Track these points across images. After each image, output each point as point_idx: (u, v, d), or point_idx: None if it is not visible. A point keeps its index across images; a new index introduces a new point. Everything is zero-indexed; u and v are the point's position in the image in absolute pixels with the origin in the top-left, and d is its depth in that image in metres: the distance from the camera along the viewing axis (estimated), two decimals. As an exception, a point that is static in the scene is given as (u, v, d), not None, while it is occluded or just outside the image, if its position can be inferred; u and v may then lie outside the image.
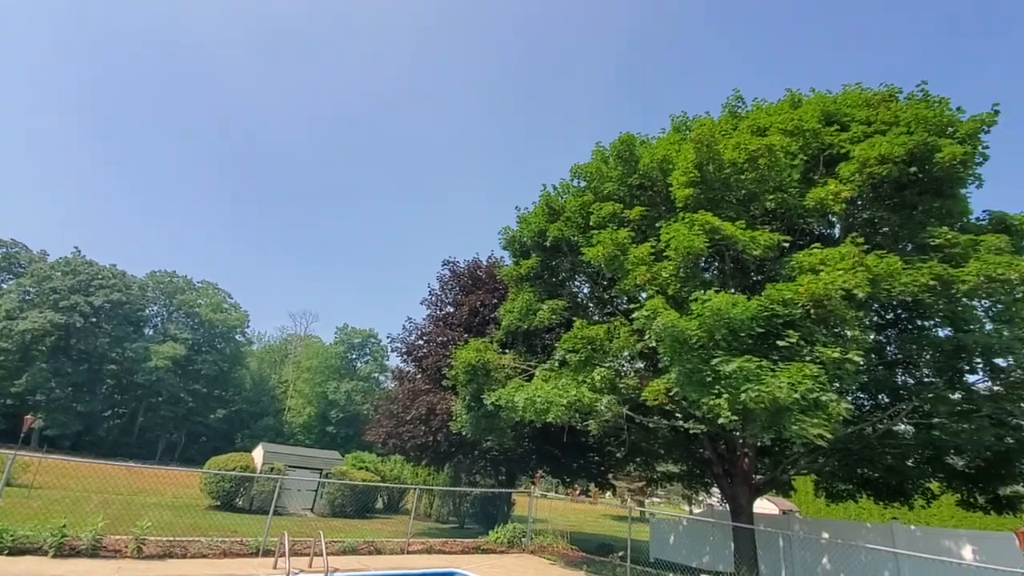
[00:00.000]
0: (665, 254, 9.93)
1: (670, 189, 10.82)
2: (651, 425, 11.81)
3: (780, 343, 8.15)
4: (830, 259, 8.67)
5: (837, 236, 11.02)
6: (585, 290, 14.85)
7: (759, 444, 11.96)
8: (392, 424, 17.28)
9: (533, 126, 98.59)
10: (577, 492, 23.19)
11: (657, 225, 10.87)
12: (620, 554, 11.82)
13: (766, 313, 8.32)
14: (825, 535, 14.34)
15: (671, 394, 9.45)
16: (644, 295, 10.66)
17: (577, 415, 10.59)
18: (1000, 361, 9.76)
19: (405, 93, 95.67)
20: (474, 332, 17.15)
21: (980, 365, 10.12)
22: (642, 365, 12.31)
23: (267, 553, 9.15)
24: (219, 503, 18.03)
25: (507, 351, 14.20)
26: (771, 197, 10.17)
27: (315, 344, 58.95)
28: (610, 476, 19.78)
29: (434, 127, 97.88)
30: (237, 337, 52.45)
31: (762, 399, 7.26)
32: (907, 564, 12.46)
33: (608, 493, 23.74)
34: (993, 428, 9.57)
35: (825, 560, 14.18)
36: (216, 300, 51.32)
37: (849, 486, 14.08)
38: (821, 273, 8.39)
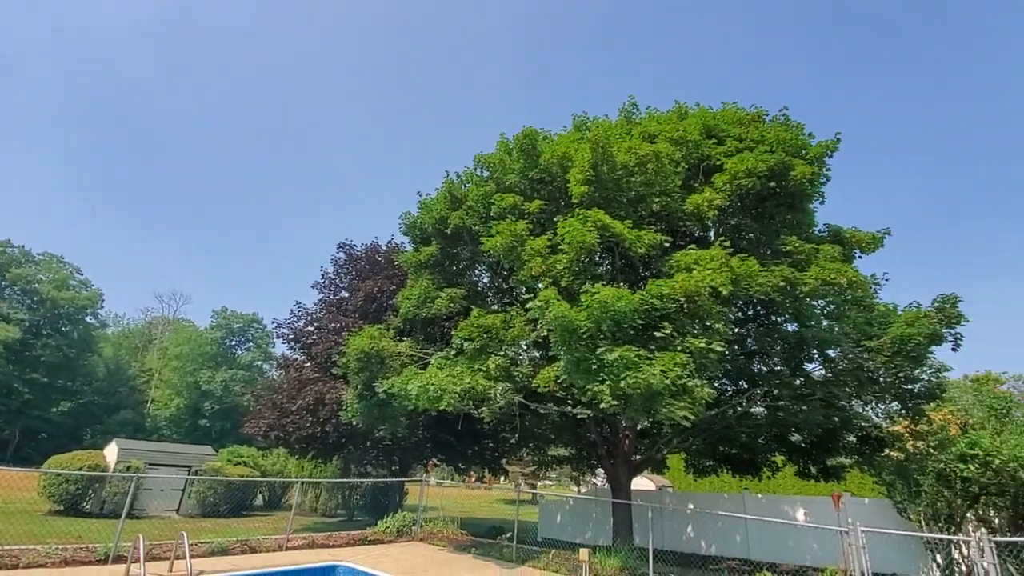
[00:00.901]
0: (560, 247, 10.32)
1: (568, 185, 11.24)
2: (543, 411, 12.29)
3: (657, 334, 8.87)
4: (702, 259, 9.59)
5: (711, 239, 12.22)
6: (485, 279, 15.00)
7: (638, 427, 12.99)
8: (276, 415, 16.20)
9: (440, 114, 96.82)
10: (472, 479, 23.54)
11: (555, 219, 11.25)
12: (508, 535, 12.23)
13: (646, 306, 9.00)
14: (691, 506, 16.02)
15: (560, 381, 9.90)
16: (540, 286, 11.01)
17: (471, 403, 10.71)
18: (831, 352, 11.45)
19: (305, 71, 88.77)
20: (370, 319, 16.59)
21: (816, 355, 11.81)
22: (536, 354, 12.74)
23: (119, 559, 8.19)
24: (62, 507, 15.76)
25: (404, 339, 13.94)
26: (657, 200, 10.98)
27: (186, 328, 53.00)
28: (504, 461, 20.32)
29: (332, 110, 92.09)
30: (87, 319, 45.40)
31: (638, 385, 7.88)
32: (753, 526, 14.35)
33: (502, 478, 24.39)
34: (823, 409, 11.22)
35: (689, 528, 15.86)
36: (61, 276, 43.80)
37: (712, 462, 15.76)
38: (694, 272, 9.25)
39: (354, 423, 13.42)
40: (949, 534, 10.68)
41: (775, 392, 11.68)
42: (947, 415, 11.73)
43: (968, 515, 11.10)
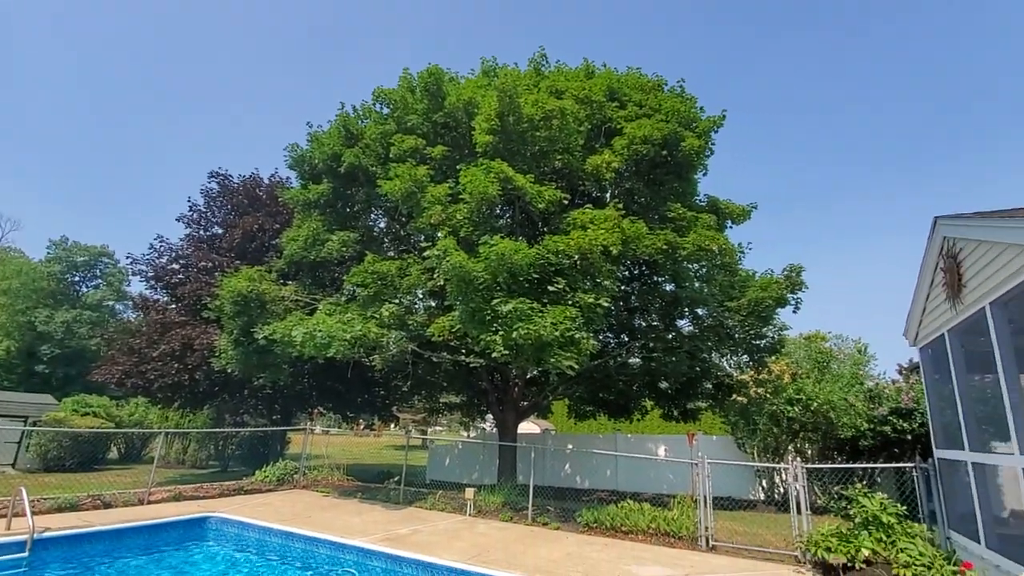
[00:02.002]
0: (462, 197, 10.10)
1: (473, 133, 10.91)
2: (436, 360, 12.32)
3: (550, 288, 9.18)
4: (597, 219, 9.96)
5: (606, 200, 12.71)
6: (381, 224, 14.32)
7: (527, 375, 13.60)
8: (133, 361, 14.45)
9: (337, 40, 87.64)
10: (361, 426, 23.30)
11: (457, 167, 10.92)
12: (396, 479, 12.38)
13: (542, 261, 9.23)
14: (570, 446, 17.41)
15: (455, 331, 9.94)
16: (439, 234, 10.76)
17: (362, 350, 10.40)
18: (700, 311, 12.75)
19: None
20: (249, 259, 15.19)
21: (687, 313, 13.10)
22: (432, 303, 12.61)
23: (-74, 527, 6.96)
24: None
25: (289, 282, 13.00)
26: (559, 157, 11.09)
27: (15, 260, 44.53)
28: (395, 409, 20.30)
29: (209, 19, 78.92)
30: None
31: (530, 336, 8.17)
32: (622, 462, 16.02)
33: (392, 425, 24.44)
34: (688, 360, 12.55)
35: (567, 466, 17.29)
36: None
37: (592, 407, 17.06)
38: (589, 230, 9.60)
39: (229, 370, 12.43)
40: (774, 463, 12.82)
41: (650, 345, 12.81)
42: (783, 367, 13.82)
43: (789, 448, 13.37)
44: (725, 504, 10.75)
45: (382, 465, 19.32)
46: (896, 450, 11.82)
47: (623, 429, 20.59)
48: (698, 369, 13.27)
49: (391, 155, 11.44)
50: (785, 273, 11.80)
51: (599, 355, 11.89)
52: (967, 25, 55.75)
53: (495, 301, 8.68)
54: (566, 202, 11.00)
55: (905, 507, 7.13)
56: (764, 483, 14.00)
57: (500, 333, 8.55)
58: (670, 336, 12.80)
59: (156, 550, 7.80)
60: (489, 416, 20.57)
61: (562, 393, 15.35)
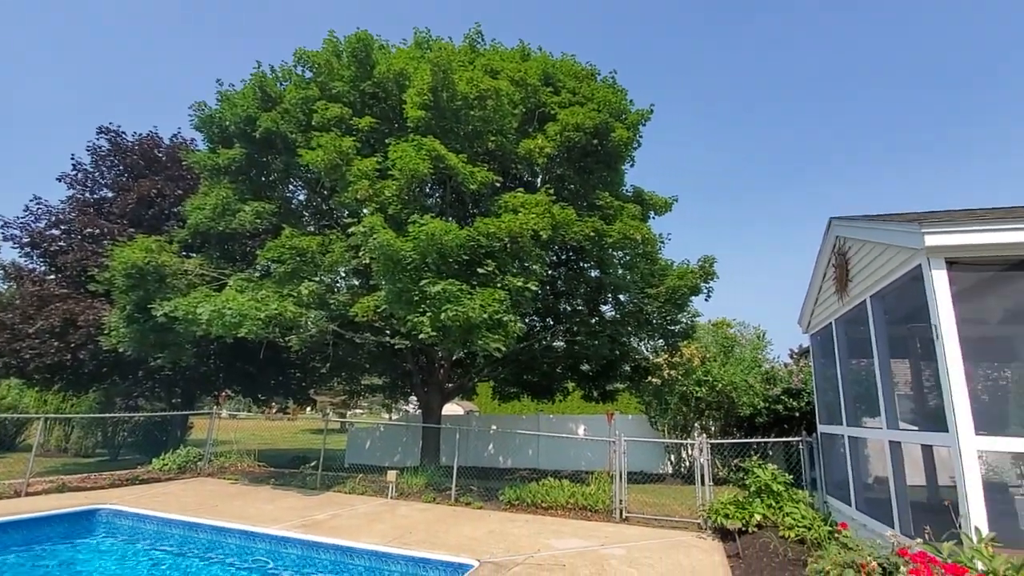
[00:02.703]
0: (391, 173, 9.70)
1: (404, 107, 10.47)
2: (359, 341, 11.90)
3: (480, 270, 9.12)
4: (528, 203, 9.99)
5: (537, 185, 12.79)
6: (301, 196, 13.45)
7: (454, 357, 13.51)
8: (5, 338, 12.63)
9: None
10: (274, 410, 22.10)
11: (387, 141, 10.45)
12: (313, 464, 11.90)
13: (472, 243, 9.13)
14: (494, 427, 17.64)
15: (380, 311, 9.62)
16: (365, 211, 10.31)
17: (278, 330, 9.80)
18: (622, 297, 13.30)
19: None
20: (145, 227, 13.74)
21: (610, 299, 13.62)
22: (356, 282, 12.11)
23: None
24: None
25: (193, 255, 11.90)
26: (493, 139, 10.95)
27: None
28: (311, 392, 19.43)
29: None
30: None
31: (458, 318, 8.08)
32: (544, 442, 16.49)
33: (309, 408, 23.42)
34: (610, 344, 13.09)
35: (491, 446, 17.52)
36: None
37: (516, 389, 17.35)
38: (520, 214, 9.61)
39: (121, 350, 11.22)
40: (682, 440, 13.79)
41: (575, 329, 13.19)
42: (693, 351, 14.81)
43: (696, 425, 14.42)
44: (638, 478, 11.43)
45: (297, 450, 18.50)
46: (786, 426, 13.15)
47: (546, 410, 21.18)
48: (618, 352, 13.86)
49: (314, 123, 10.71)
50: (699, 263, 12.56)
51: (525, 338, 12.07)
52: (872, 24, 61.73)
53: (424, 282, 8.49)
54: (498, 184, 10.93)
55: (791, 476, 7.96)
56: (672, 458, 15.05)
57: (428, 314, 8.39)
58: (593, 321, 13.25)
59: (37, 546, 6.95)
60: (413, 398, 20.32)
61: (488, 375, 15.46)
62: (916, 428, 6.48)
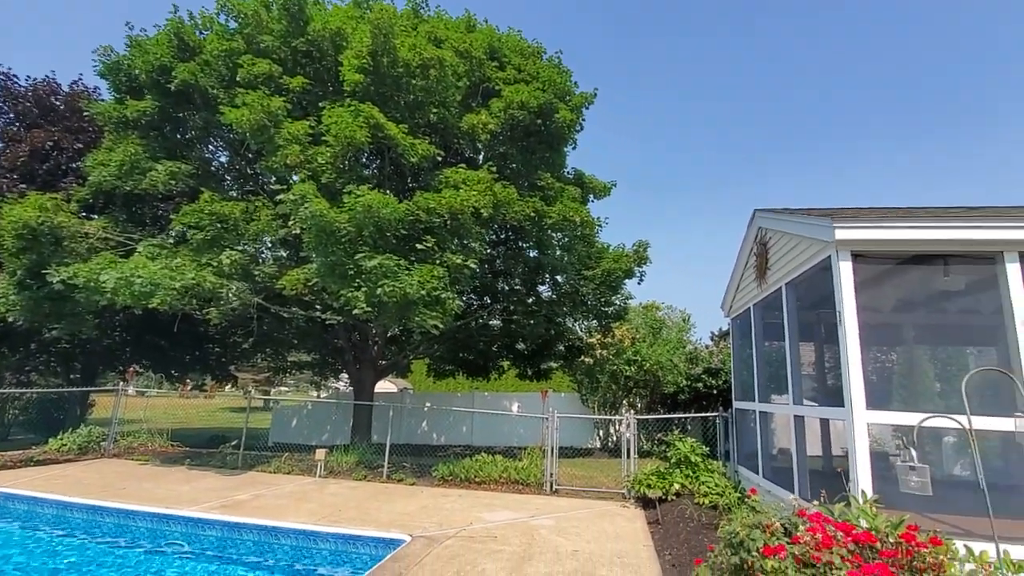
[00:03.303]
0: (324, 139, 9.17)
1: (340, 69, 9.88)
2: (286, 315, 11.35)
3: (419, 246, 8.92)
4: (470, 180, 9.84)
5: (480, 162, 12.61)
6: (222, 158, 12.44)
7: (388, 333, 13.23)
8: None
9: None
10: (188, 387, 20.71)
11: (320, 105, 9.85)
12: (234, 443, 11.33)
13: (412, 218, 8.90)
14: (428, 404, 17.56)
15: (311, 285, 9.20)
16: (296, 178, 9.73)
17: (195, 302, 9.11)
18: (560, 278, 13.53)
19: None
20: (39, 184, 12.23)
21: (548, 279, 13.82)
22: (284, 253, 11.47)
23: None
24: None
25: (95, 216, 10.74)
26: (435, 111, 10.62)
27: None
28: (232, 368, 18.34)
29: None
30: None
31: (395, 294, 7.88)
32: (478, 419, 16.67)
33: (229, 386, 22.15)
34: (546, 323, 13.35)
35: (425, 423, 17.47)
36: None
37: (452, 366, 17.32)
38: (461, 190, 9.45)
39: (10, 320, 10.01)
40: (611, 416, 14.42)
41: (512, 308, 13.32)
42: (625, 331, 15.43)
43: (624, 402, 15.12)
44: (569, 453, 11.87)
45: (216, 429, 17.50)
46: (705, 402, 14.08)
47: (481, 388, 21.37)
48: (553, 332, 14.19)
49: (238, 78, 9.88)
50: (634, 248, 13.01)
51: (463, 316, 12.03)
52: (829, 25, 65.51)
53: (359, 256, 8.17)
54: (440, 159, 10.66)
55: (708, 448, 8.57)
56: (601, 433, 15.73)
57: (363, 289, 8.11)
58: (531, 300, 13.42)
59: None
60: (344, 375, 19.75)
61: (423, 352, 15.30)
62: (817, 404, 7.16)
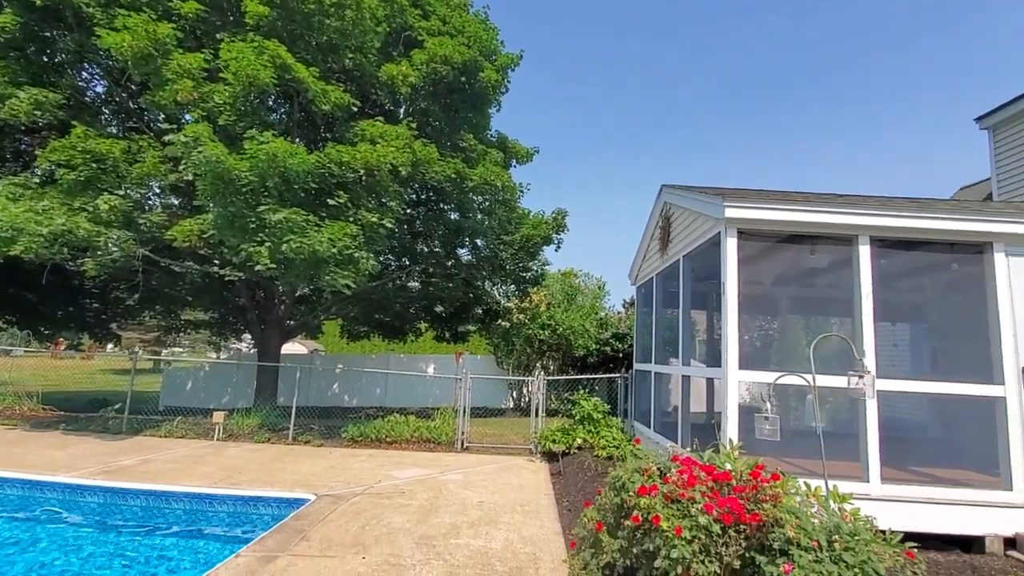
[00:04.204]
0: (223, 75, 8.30)
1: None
2: (178, 269, 10.42)
3: (331, 201, 8.49)
4: (388, 135, 9.43)
5: (400, 116, 12.08)
6: (99, 88, 10.87)
7: (296, 292, 12.61)
8: None
9: None
10: (62, 347, 18.54)
11: (218, 36, 8.87)
12: (117, 406, 10.42)
13: (323, 171, 8.41)
14: (340, 366, 17.13)
15: (207, 237, 8.49)
16: (189, 117, 8.78)
17: (66, 250, 8.10)
18: (479, 241, 13.53)
19: None
20: None
21: (468, 243, 13.77)
22: (175, 200, 10.43)
23: None
24: None
25: (-69, 145, 9.05)
26: (351, 56, 9.95)
27: None
28: (114, 327, 16.59)
29: None
30: None
31: (303, 251, 7.50)
32: (393, 380, 16.60)
33: (111, 345, 20.09)
34: (464, 287, 13.39)
35: (336, 385, 17.08)
36: None
37: (367, 328, 16.94)
38: (379, 145, 9.05)
39: None
40: (524, 377, 14.96)
41: (431, 270, 13.17)
42: (541, 297, 15.90)
43: (537, 364, 15.71)
44: (482, 413, 12.22)
45: (95, 392, 15.91)
46: (612, 365, 15.02)
47: (396, 350, 21.16)
48: (472, 296, 14.29)
49: (119, -4, 8.60)
50: (553, 215, 13.29)
51: (379, 276, 11.73)
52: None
53: (263, 208, 7.64)
54: (356, 109, 10.09)
55: (610, 407, 9.23)
56: (515, 393, 16.32)
57: (267, 244, 7.62)
58: (450, 263, 13.34)
59: None
60: (247, 336, 18.64)
61: (336, 313, 14.80)
62: (704, 365, 7.92)
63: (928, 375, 7.62)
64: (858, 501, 3.69)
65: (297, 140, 9.77)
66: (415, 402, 15.95)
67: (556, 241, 13.38)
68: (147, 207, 9.65)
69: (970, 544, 4.63)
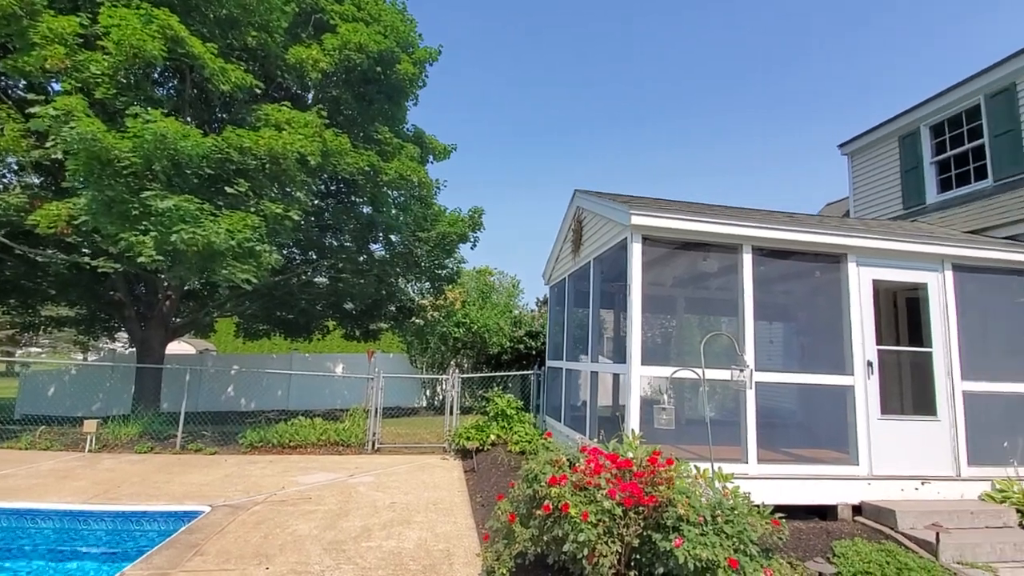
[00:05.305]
0: (102, 43, 7.38)
1: (127, -43, 7.95)
2: (40, 259, 9.10)
3: (229, 190, 7.87)
4: (296, 121, 8.91)
5: (308, 102, 11.44)
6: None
7: (186, 287, 11.53)
8: None
9: None
10: None
11: (98, 0, 7.86)
12: (-43, 420, 8.88)
13: (220, 156, 7.77)
14: (236, 367, 15.89)
15: (78, 223, 7.49)
16: (58, 87, 7.70)
17: None
18: (394, 237, 13.20)
19: None
20: None
21: (381, 238, 13.38)
22: (37, 180, 9.08)
23: None
24: None
25: None
26: (255, 34, 9.26)
27: None
28: (-45, 323, 14.09)
29: None
30: None
31: (196, 242, 6.87)
32: (296, 381, 15.73)
33: (-52, 346, 16.99)
34: (377, 283, 12.98)
35: (231, 388, 15.83)
36: None
37: (267, 326, 15.84)
38: (285, 132, 8.52)
39: None
40: (438, 376, 14.87)
41: (340, 265, 12.63)
42: (456, 295, 15.88)
43: (452, 362, 15.69)
44: (395, 412, 11.95)
45: (-72, 402, 13.41)
46: (526, 362, 15.39)
47: (301, 349, 20.02)
48: (384, 292, 13.89)
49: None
50: (470, 213, 13.33)
51: (282, 271, 11.06)
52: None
53: (148, 193, 6.90)
54: (259, 92, 9.42)
55: (523, 403, 9.48)
56: (428, 392, 16.15)
57: (153, 234, 6.89)
58: (362, 259, 12.89)
59: None
60: (122, 334, 16.63)
61: (231, 310, 13.72)
62: (612, 362, 8.40)
63: (796, 368, 8.71)
64: (738, 480, 4.16)
65: (189, 120, 8.92)
66: (322, 404, 15.24)
67: (472, 239, 13.44)
68: (3, 186, 8.31)
69: (826, 512, 5.38)
